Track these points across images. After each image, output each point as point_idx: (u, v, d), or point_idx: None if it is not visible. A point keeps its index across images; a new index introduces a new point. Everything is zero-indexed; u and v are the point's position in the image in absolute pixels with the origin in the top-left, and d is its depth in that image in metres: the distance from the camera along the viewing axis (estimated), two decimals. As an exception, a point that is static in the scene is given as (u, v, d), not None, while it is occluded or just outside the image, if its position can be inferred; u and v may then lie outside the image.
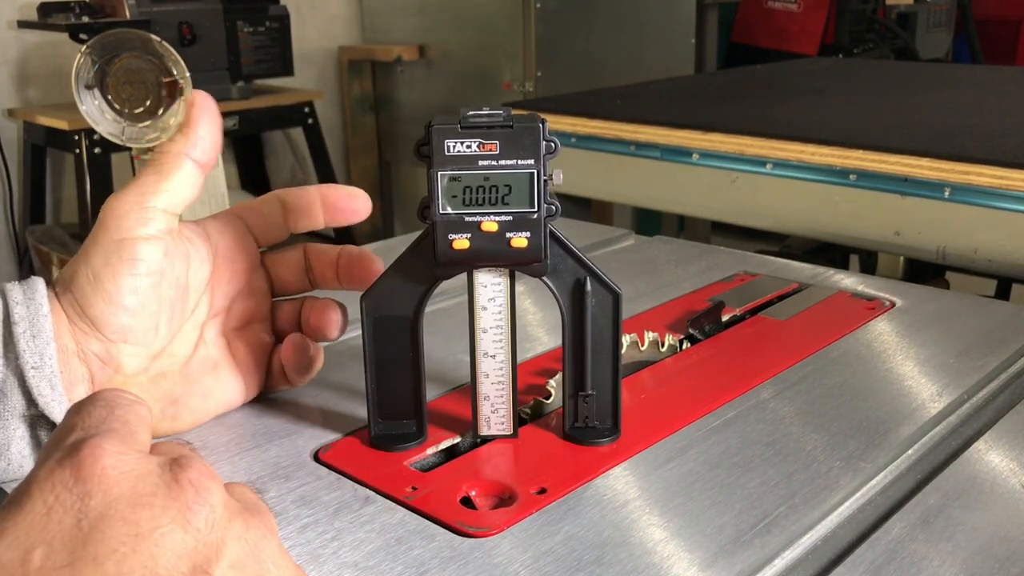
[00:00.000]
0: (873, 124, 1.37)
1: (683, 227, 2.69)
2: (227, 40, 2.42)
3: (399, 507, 0.45)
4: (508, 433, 0.51)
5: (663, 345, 0.62)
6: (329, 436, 0.52)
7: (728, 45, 3.69)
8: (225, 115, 2.39)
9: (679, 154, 1.33)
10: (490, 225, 0.46)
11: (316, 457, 0.50)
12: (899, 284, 0.77)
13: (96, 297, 0.48)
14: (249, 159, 2.93)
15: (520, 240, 0.46)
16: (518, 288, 0.49)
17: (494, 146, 0.45)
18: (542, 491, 0.46)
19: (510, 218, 0.46)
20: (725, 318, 0.70)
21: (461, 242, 0.46)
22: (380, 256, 0.55)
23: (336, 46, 3.17)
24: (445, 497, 0.46)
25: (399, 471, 0.49)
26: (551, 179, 0.47)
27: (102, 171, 2.24)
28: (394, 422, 0.51)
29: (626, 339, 0.59)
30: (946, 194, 1.08)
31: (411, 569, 0.41)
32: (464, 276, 0.48)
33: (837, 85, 1.84)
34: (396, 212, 3.41)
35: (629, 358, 0.60)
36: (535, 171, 0.45)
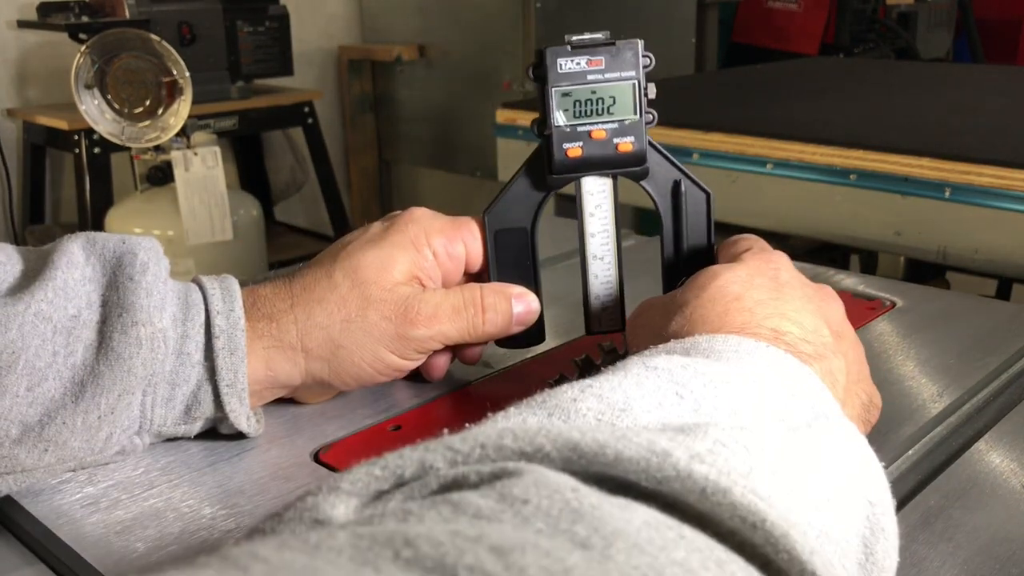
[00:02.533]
0: (873, 124, 1.37)
1: (683, 227, 2.68)
2: (227, 40, 2.42)
3: (399, 508, 0.45)
4: (619, 328, 0.56)
5: (663, 345, 0.62)
6: (329, 436, 0.52)
7: (728, 45, 3.69)
8: (224, 115, 2.39)
9: (680, 154, 1.33)
10: (599, 132, 0.52)
11: (316, 457, 0.50)
12: (899, 284, 0.77)
13: (345, 380, 0.52)
14: (249, 159, 2.93)
15: (626, 144, 0.52)
16: None
17: (600, 62, 0.51)
18: (542, 492, 0.46)
19: (616, 125, 0.52)
20: (725, 318, 0.70)
21: (575, 150, 0.52)
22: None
23: (336, 46, 3.17)
24: (445, 498, 0.46)
25: (399, 471, 0.48)
26: (647, 92, 0.52)
27: (102, 171, 2.24)
28: None
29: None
30: (946, 194, 1.08)
31: (411, 570, 0.40)
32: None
33: (837, 85, 1.85)
34: (396, 212, 3.41)
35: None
36: (636, 81, 0.51)
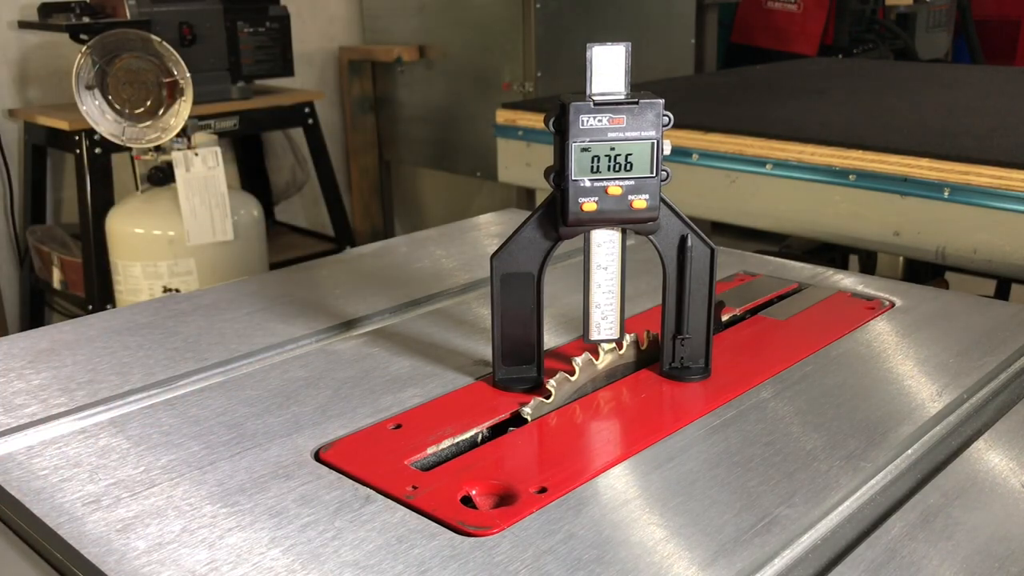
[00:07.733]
0: (873, 124, 1.37)
1: (683, 227, 2.68)
2: (227, 40, 2.42)
3: (400, 506, 0.45)
4: (616, 337, 0.57)
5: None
6: (330, 435, 0.53)
7: (728, 45, 3.69)
8: (225, 115, 2.39)
9: (679, 154, 1.33)
10: (615, 189, 0.52)
11: (317, 456, 0.50)
12: (899, 284, 0.77)
13: None
14: (249, 159, 2.93)
15: (640, 202, 0.52)
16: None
17: (621, 120, 0.51)
18: (542, 490, 0.46)
19: (632, 183, 0.52)
20: (725, 318, 0.70)
21: (590, 204, 0.52)
22: (381, 258, 0.55)
23: (336, 46, 3.17)
24: (446, 496, 0.46)
25: (400, 470, 0.49)
26: (664, 149, 0.52)
27: (102, 171, 2.24)
28: (516, 367, 0.57)
29: (627, 339, 0.59)
30: (945, 194, 1.08)
31: (412, 568, 0.41)
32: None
33: (837, 85, 1.85)
34: (396, 212, 3.41)
35: (630, 358, 0.60)
36: (655, 141, 0.51)
